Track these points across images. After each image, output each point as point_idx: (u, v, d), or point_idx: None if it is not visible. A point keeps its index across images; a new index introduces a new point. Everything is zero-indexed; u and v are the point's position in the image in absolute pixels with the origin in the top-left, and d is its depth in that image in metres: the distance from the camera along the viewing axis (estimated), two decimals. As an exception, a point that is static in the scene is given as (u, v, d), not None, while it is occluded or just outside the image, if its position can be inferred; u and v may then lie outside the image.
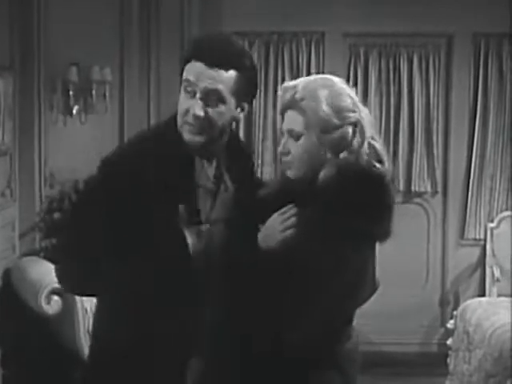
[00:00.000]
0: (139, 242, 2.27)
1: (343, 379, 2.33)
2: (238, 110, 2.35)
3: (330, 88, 2.27)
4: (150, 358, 2.35)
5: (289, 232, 2.26)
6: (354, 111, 2.27)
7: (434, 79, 6.14)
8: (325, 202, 2.20)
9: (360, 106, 2.29)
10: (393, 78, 6.14)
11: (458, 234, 6.23)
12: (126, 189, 2.28)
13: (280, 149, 2.32)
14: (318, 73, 6.09)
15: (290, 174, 2.33)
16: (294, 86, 2.30)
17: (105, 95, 5.61)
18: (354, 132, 2.26)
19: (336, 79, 2.32)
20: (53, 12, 5.57)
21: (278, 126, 2.39)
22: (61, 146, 5.58)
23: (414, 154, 6.14)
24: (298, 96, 2.27)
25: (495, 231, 6.09)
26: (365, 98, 6.10)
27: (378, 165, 2.27)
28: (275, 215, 2.30)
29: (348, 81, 6.59)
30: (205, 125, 2.29)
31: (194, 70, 2.28)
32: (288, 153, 2.30)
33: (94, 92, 5.58)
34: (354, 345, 2.39)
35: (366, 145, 2.27)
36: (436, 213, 6.26)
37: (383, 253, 6.65)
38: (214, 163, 2.41)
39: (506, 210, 6.15)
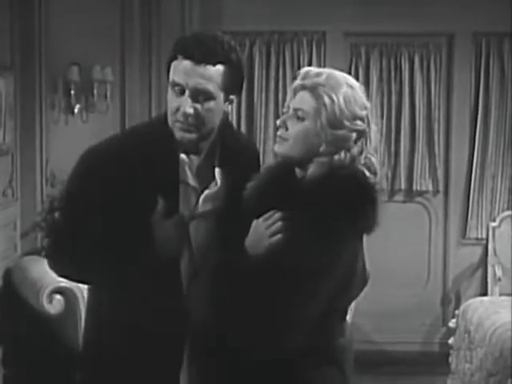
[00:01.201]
0: (117, 232, 2.28)
1: (342, 375, 2.34)
2: (227, 103, 2.36)
3: (352, 89, 2.27)
4: (139, 357, 2.35)
5: (276, 238, 2.22)
6: (364, 121, 2.26)
7: (436, 78, 6.14)
8: (314, 204, 2.18)
9: (371, 119, 2.29)
10: (394, 78, 6.14)
11: (459, 234, 6.23)
12: (107, 178, 2.30)
13: (279, 122, 2.30)
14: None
15: (279, 148, 2.30)
16: (319, 73, 2.28)
17: (106, 95, 5.61)
18: (357, 140, 2.25)
19: (357, 84, 2.32)
20: (54, 11, 5.57)
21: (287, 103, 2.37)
22: (62, 146, 5.57)
23: (416, 154, 6.15)
24: (319, 81, 2.25)
25: (497, 230, 6.09)
26: (366, 98, 6.09)
27: (368, 174, 2.25)
28: (260, 221, 2.26)
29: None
30: (195, 122, 2.29)
31: (181, 68, 2.28)
32: (285, 128, 2.29)
33: (95, 91, 5.58)
34: (349, 342, 2.39)
35: (363, 156, 2.25)
36: (437, 212, 6.26)
37: (385, 252, 6.67)
38: (202, 159, 2.40)
39: (508, 209, 6.16)
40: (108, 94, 5.61)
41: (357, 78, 6.41)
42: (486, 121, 6.14)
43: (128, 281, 2.31)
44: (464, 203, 6.21)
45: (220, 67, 2.28)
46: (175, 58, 2.30)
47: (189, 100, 2.27)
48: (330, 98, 2.23)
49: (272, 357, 2.20)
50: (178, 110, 2.30)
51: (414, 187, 6.18)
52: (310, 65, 6.05)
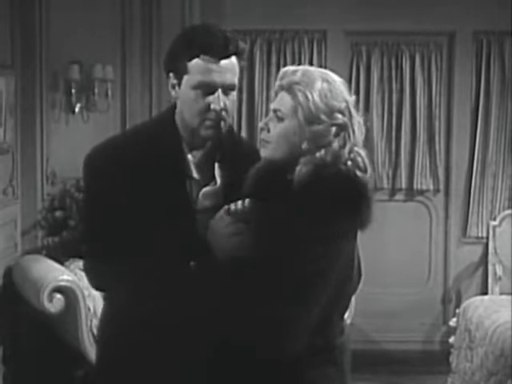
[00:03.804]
0: (139, 230, 2.30)
1: (341, 373, 2.34)
2: None
3: (328, 83, 2.24)
4: (156, 359, 2.36)
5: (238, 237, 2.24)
6: (343, 114, 2.24)
7: (436, 77, 6.15)
8: (304, 207, 2.16)
9: (354, 112, 2.26)
10: (395, 76, 6.14)
11: (460, 232, 6.24)
12: (118, 176, 2.32)
13: (261, 125, 2.31)
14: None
15: (263, 152, 2.31)
16: (295, 71, 2.28)
17: (107, 93, 5.60)
18: (337, 134, 2.23)
19: (338, 78, 2.29)
20: (54, 10, 5.56)
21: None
22: (63, 144, 5.58)
23: (416, 152, 6.15)
24: (294, 79, 2.25)
25: (497, 229, 6.09)
26: (367, 96, 6.11)
27: (359, 173, 2.24)
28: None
29: (350, 79, 6.63)
30: (225, 116, 2.34)
31: (209, 67, 2.30)
32: (267, 130, 2.29)
33: (96, 90, 5.58)
34: (346, 340, 2.39)
35: (347, 150, 2.23)
36: (438, 211, 6.26)
37: (386, 251, 6.66)
38: (203, 155, 2.42)
39: (509, 208, 6.16)
40: (109, 92, 5.60)
41: (358, 77, 6.50)
42: (486, 119, 6.14)
43: (148, 278, 2.32)
44: (465, 202, 6.22)
45: (235, 58, 2.34)
46: (195, 57, 2.30)
47: (221, 96, 2.31)
48: (305, 94, 2.22)
49: (273, 358, 2.19)
50: (207, 108, 2.31)
51: (415, 186, 6.18)
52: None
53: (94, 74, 5.55)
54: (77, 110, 5.62)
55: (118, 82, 5.67)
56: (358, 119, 2.28)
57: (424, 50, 6.13)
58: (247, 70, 6.07)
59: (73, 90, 5.58)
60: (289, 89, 2.25)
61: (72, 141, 5.53)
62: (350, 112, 2.25)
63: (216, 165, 2.43)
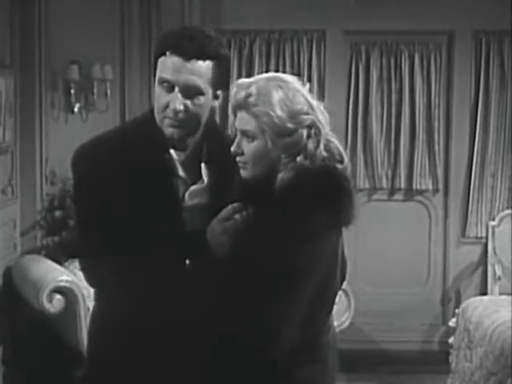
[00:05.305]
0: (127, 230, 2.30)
1: (326, 371, 2.34)
2: (214, 99, 2.36)
3: (284, 90, 2.22)
4: (148, 358, 2.36)
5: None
6: (308, 113, 2.23)
7: (436, 77, 6.14)
8: (288, 208, 2.16)
9: (314, 104, 2.25)
10: (394, 76, 6.14)
11: (459, 232, 6.24)
12: (105, 174, 2.32)
13: (234, 148, 2.28)
14: (319, 71, 6.10)
15: (243, 173, 2.29)
16: (248, 86, 2.24)
17: (106, 93, 5.61)
18: (309, 134, 2.23)
19: (290, 79, 2.28)
20: (54, 10, 5.56)
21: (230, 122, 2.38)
22: (62, 144, 5.56)
23: (416, 152, 6.15)
24: (251, 100, 2.22)
25: (496, 229, 6.10)
26: (366, 96, 6.11)
27: (338, 165, 2.24)
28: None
29: (349, 79, 6.59)
30: (185, 118, 2.30)
31: (170, 65, 2.27)
32: (242, 153, 2.27)
33: (95, 90, 5.58)
34: (332, 337, 2.39)
35: (322, 145, 2.23)
36: (437, 211, 6.26)
37: (385, 251, 6.65)
38: (188, 155, 2.41)
39: (508, 208, 6.16)
40: (108, 92, 5.61)
41: (357, 77, 6.49)
42: (485, 119, 6.14)
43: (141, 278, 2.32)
44: (464, 202, 6.22)
45: (209, 63, 2.28)
46: (163, 54, 2.29)
47: (179, 96, 2.27)
48: (267, 114, 2.20)
49: (261, 358, 2.20)
50: (167, 106, 2.30)
51: (414, 186, 6.18)
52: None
53: (93, 74, 5.55)
54: (76, 109, 5.63)
55: (117, 82, 5.68)
56: (319, 108, 2.26)
57: (423, 49, 6.13)
58: (246, 71, 6.07)
59: (72, 90, 5.59)
60: (248, 109, 2.23)
61: (71, 140, 5.46)
62: (311, 107, 2.25)
63: (202, 165, 2.42)
